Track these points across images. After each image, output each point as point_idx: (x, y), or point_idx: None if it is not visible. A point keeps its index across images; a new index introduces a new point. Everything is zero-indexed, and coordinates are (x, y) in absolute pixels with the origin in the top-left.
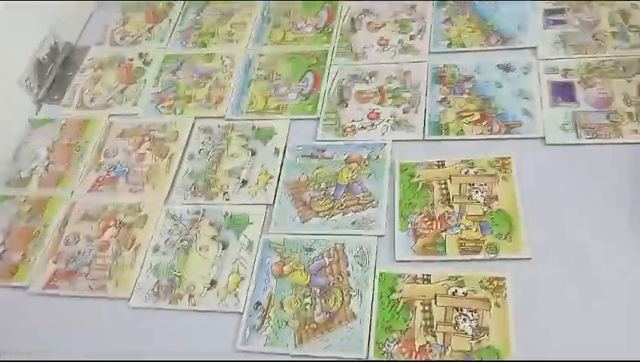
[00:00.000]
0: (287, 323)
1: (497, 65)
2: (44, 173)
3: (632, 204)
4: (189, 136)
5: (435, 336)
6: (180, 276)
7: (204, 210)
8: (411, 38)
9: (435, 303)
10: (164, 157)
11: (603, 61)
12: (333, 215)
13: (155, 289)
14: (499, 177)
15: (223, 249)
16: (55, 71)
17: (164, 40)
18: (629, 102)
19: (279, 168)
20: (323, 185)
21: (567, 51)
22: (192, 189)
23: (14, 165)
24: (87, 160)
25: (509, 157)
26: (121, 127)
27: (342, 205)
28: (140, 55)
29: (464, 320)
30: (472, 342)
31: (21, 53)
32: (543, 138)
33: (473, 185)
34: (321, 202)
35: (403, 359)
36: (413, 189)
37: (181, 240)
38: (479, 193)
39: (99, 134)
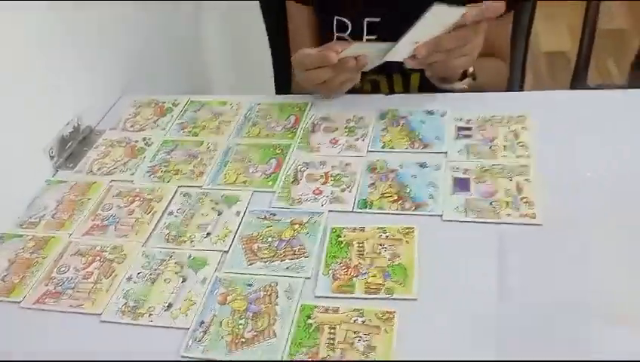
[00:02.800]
0: (222, 337)
1: (416, 163)
2: (50, 219)
3: (499, 266)
4: (172, 198)
5: (334, 351)
6: (144, 300)
7: (173, 252)
8: (356, 140)
9: (340, 327)
10: (149, 213)
11: (494, 165)
12: (273, 261)
13: (122, 308)
14: (403, 241)
15: (182, 282)
16: (74, 146)
17: (165, 129)
18: (508, 194)
19: (238, 225)
20: (269, 239)
21: (469, 157)
22: (167, 237)
23: (27, 212)
24: (87, 212)
25: (413, 227)
26: (118, 190)
27: (281, 254)
28: (144, 139)
29: (358, 340)
30: (362, 356)
31: (51, 128)
32: (441, 215)
33: (383, 245)
34: (265, 251)
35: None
36: (338, 246)
37: (150, 274)
38: (387, 251)
39: (99, 193)
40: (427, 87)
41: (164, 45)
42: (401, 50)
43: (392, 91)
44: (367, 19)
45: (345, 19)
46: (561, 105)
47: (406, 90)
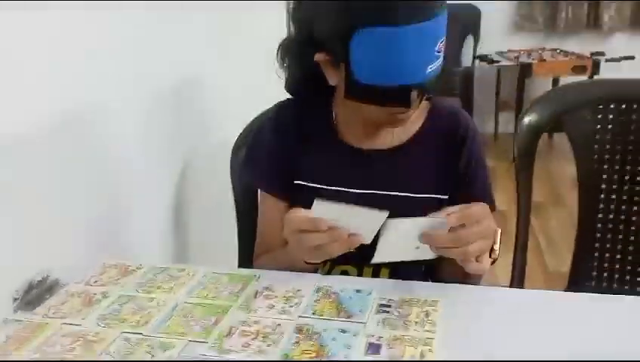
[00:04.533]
0: None
1: (338, 328)
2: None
3: None
4: (113, 341)
5: None
6: None
7: None
8: (290, 306)
9: None
10: (88, 351)
11: (404, 335)
12: None
13: None
14: None
15: None
16: (38, 293)
17: (124, 286)
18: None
19: None
20: None
21: (385, 328)
22: None
23: None
24: (32, 346)
25: None
26: (66, 331)
27: None
28: (102, 292)
29: None
30: None
31: (21, 275)
32: None
33: None
34: None
35: None
36: None
37: None
38: None
39: (48, 332)
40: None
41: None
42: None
43: None
44: None
45: None
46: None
47: None
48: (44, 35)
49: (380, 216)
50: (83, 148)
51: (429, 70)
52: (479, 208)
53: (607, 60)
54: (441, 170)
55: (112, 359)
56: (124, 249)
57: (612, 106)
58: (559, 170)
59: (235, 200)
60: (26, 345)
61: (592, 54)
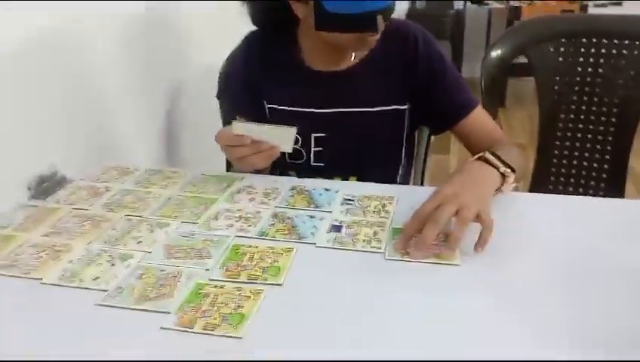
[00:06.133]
0: (132, 296)
1: (308, 215)
2: (16, 226)
3: (347, 280)
4: (117, 221)
5: (213, 306)
6: (78, 274)
7: (108, 250)
8: (268, 200)
9: (221, 295)
10: (96, 228)
11: (362, 220)
12: (184, 259)
13: (60, 277)
14: (284, 255)
15: (111, 266)
16: (48, 186)
17: (124, 183)
18: (367, 236)
19: (163, 239)
20: (184, 247)
21: (347, 215)
22: (106, 241)
23: (0, 221)
24: (47, 223)
25: (293, 248)
26: (76, 214)
27: (191, 256)
28: (106, 187)
29: (232, 302)
30: (232, 311)
31: (33, 168)
32: (315, 243)
33: (268, 256)
34: (179, 253)
35: None
36: (235, 254)
37: (87, 260)
38: (270, 259)
39: (61, 214)
40: None
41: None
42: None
43: None
44: (314, 135)
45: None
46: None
47: None
48: None
49: (291, 130)
50: (82, 62)
51: None
52: (428, 205)
53: (595, 5)
54: (396, 83)
55: (116, 233)
56: (120, 159)
57: (573, 40)
58: None
59: (223, 118)
60: (42, 222)
61: None
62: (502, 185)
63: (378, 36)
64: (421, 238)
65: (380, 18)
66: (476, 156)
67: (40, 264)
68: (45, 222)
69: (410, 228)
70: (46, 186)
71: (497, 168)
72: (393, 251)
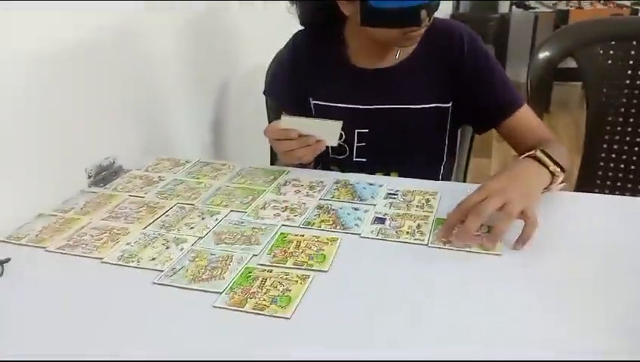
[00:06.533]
0: (186, 276)
1: (352, 207)
2: (78, 210)
3: (390, 268)
4: (170, 208)
5: (262, 289)
6: (136, 254)
7: (163, 234)
8: (313, 192)
9: (269, 279)
10: (152, 214)
11: (405, 213)
12: (234, 244)
13: (119, 257)
14: (329, 244)
15: (166, 249)
16: (107, 174)
17: (176, 173)
18: (410, 229)
19: (214, 226)
20: (234, 234)
21: (390, 208)
22: (161, 226)
23: (62, 205)
24: (106, 208)
25: (338, 237)
26: (132, 200)
27: (240, 241)
28: (159, 177)
29: (280, 285)
30: (280, 293)
31: (94, 158)
32: (360, 234)
33: (314, 244)
34: (229, 239)
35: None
36: (282, 241)
37: (144, 243)
38: (315, 247)
39: (118, 200)
40: None
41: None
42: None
43: None
44: (357, 130)
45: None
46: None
47: None
48: None
49: (337, 124)
50: (140, 61)
51: None
52: (474, 197)
53: None
54: (439, 80)
55: (170, 218)
56: (172, 152)
57: (623, 43)
58: None
59: (268, 115)
60: (101, 208)
61: (633, 3)
62: (551, 183)
63: (422, 31)
64: (463, 228)
65: (423, 13)
66: (527, 154)
67: (101, 245)
68: (105, 207)
69: (454, 217)
70: (103, 175)
71: (548, 167)
72: (435, 239)
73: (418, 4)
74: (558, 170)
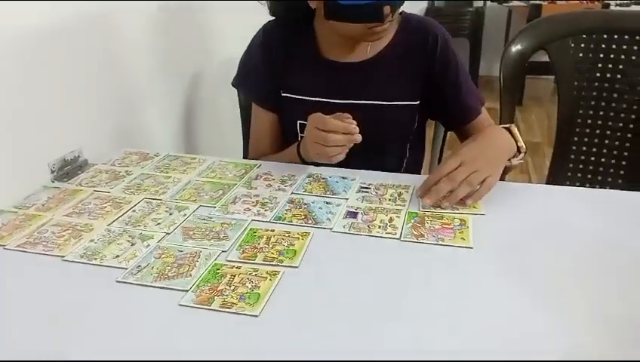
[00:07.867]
0: (151, 274)
1: (324, 201)
2: (40, 206)
3: (361, 263)
4: (137, 204)
5: (230, 286)
6: (99, 252)
7: (128, 230)
8: (285, 186)
9: (238, 276)
10: (117, 209)
11: (377, 207)
12: (202, 240)
13: (81, 254)
14: (300, 239)
15: (131, 245)
16: (71, 169)
17: (144, 168)
18: (382, 222)
19: (182, 221)
20: (202, 229)
21: (363, 202)
22: (127, 222)
23: (24, 201)
24: (70, 203)
25: (310, 232)
26: (97, 196)
27: (209, 237)
28: (126, 171)
29: (249, 282)
30: (248, 290)
31: (57, 152)
32: (332, 228)
33: (285, 240)
34: (197, 234)
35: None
36: (252, 236)
37: (108, 240)
38: (286, 242)
39: (82, 196)
40: None
41: (163, 113)
42: None
43: None
44: None
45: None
46: None
47: None
48: None
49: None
50: (107, 51)
51: None
52: (448, 166)
53: (617, 4)
54: (410, 78)
55: (136, 214)
56: (140, 145)
57: (594, 36)
58: None
59: (240, 107)
60: (65, 203)
61: None
62: (513, 156)
63: (386, 27)
64: (435, 189)
65: (387, 9)
66: (503, 125)
67: (62, 242)
68: (68, 203)
69: (431, 181)
70: (68, 169)
71: (517, 142)
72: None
73: (380, 1)
74: (524, 147)
